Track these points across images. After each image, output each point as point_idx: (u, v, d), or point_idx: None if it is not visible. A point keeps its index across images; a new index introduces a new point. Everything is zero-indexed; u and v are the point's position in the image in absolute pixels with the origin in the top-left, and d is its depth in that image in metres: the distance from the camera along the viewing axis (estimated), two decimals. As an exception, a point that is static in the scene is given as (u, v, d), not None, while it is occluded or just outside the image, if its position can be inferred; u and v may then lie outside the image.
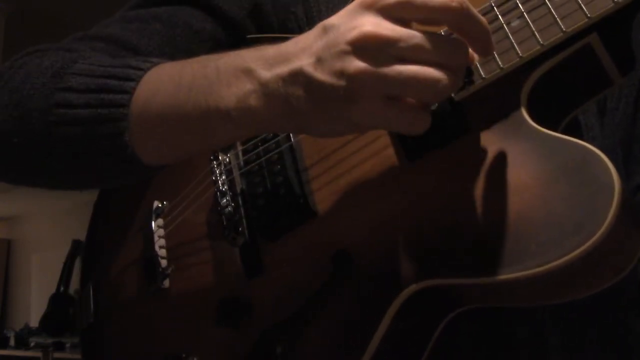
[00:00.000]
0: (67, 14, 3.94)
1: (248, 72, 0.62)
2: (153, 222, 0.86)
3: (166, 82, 0.70)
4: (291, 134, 0.77)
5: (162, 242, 0.85)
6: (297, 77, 0.58)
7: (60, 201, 6.76)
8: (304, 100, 0.58)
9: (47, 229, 7.44)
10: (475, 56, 0.62)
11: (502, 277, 0.57)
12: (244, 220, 0.77)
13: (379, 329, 0.64)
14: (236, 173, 0.80)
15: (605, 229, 0.53)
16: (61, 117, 0.72)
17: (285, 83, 0.59)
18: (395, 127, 0.60)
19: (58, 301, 6.00)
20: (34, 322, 6.69)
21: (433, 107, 0.66)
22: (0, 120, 0.77)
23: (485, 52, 0.60)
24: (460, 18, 0.57)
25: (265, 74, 0.61)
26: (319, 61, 0.57)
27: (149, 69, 0.72)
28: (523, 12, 0.62)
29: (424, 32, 0.56)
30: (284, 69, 0.60)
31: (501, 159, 0.61)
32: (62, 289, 6.04)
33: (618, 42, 0.63)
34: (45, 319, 6.01)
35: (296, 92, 0.59)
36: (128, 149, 0.70)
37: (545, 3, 0.61)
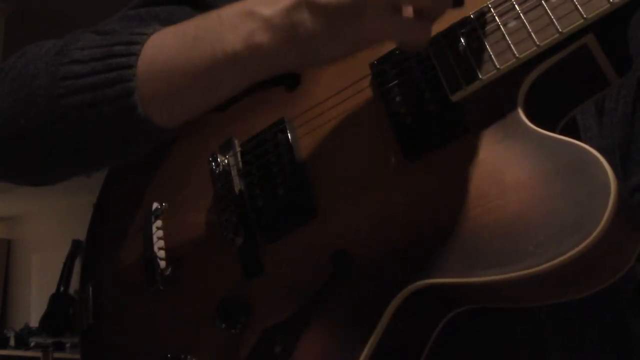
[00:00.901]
0: (67, 14, 3.93)
1: (251, 13, 0.64)
2: (152, 224, 0.86)
3: (170, 39, 0.71)
4: (289, 135, 0.77)
5: (161, 243, 0.85)
6: (301, 4, 0.61)
7: (60, 201, 6.75)
8: (312, 24, 0.60)
9: (47, 229, 7.44)
10: None
11: (500, 276, 0.58)
12: (243, 221, 0.77)
13: (377, 328, 0.64)
14: (235, 174, 0.80)
15: (602, 229, 0.53)
16: (68, 88, 0.72)
17: (289, 13, 0.61)
18: (400, 37, 0.63)
19: (58, 301, 6.01)
20: (34, 322, 6.69)
21: (431, 108, 0.66)
22: (4, 109, 0.76)
23: None
24: None
25: (268, 11, 0.63)
26: None
27: (152, 33, 0.73)
28: (520, 13, 0.62)
29: None
30: (286, 2, 0.62)
31: (498, 159, 0.62)
32: (62, 289, 6.04)
33: (614, 43, 0.63)
34: (45, 319, 6.01)
35: (301, 18, 0.61)
36: (138, 109, 0.70)
37: (541, 4, 0.61)
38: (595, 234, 0.53)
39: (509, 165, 0.61)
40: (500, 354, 0.72)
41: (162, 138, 0.77)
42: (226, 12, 0.67)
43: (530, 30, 0.61)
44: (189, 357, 0.78)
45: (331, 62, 0.66)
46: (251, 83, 0.71)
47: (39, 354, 5.95)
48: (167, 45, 0.70)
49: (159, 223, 0.86)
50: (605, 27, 0.61)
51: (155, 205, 0.87)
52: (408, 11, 0.61)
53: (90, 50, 0.73)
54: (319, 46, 0.62)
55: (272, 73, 0.69)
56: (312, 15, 0.60)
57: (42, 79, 0.74)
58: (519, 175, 0.60)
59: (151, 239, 0.85)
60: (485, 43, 0.63)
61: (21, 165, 0.81)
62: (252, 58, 0.64)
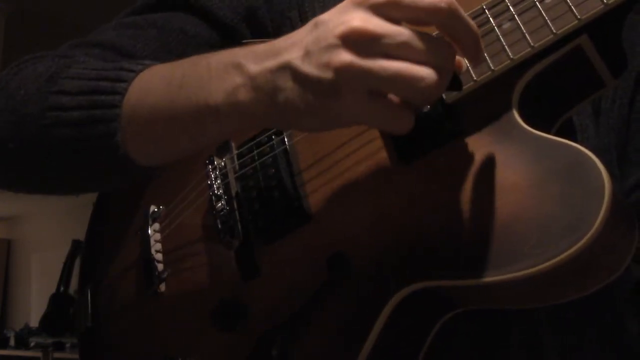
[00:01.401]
0: (67, 14, 3.94)
1: (238, 67, 0.63)
2: (149, 227, 0.86)
3: (158, 82, 0.71)
4: (286, 137, 0.77)
5: (159, 246, 0.85)
6: (285, 69, 0.59)
7: (60, 201, 6.75)
8: (291, 93, 0.59)
9: (47, 229, 7.44)
10: (464, 62, 0.62)
11: (495, 278, 0.58)
12: (239, 224, 0.78)
13: (374, 329, 0.64)
14: (231, 177, 0.80)
15: (597, 230, 0.53)
16: (54, 120, 0.73)
17: (273, 76, 0.60)
18: (378, 124, 0.61)
19: (58, 301, 6.00)
20: (34, 322, 6.69)
21: (425, 109, 0.66)
22: None
23: (474, 56, 0.60)
24: (448, 19, 0.57)
25: (255, 67, 0.61)
26: (307, 54, 0.58)
27: (141, 70, 0.73)
28: (514, 15, 0.62)
29: (412, 31, 0.57)
30: (273, 62, 0.60)
31: (493, 161, 0.62)
32: (62, 289, 6.04)
33: (609, 44, 0.63)
34: (45, 319, 6.01)
35: (284, 85, 0.59)
36: (120, 150, 0.71)
37: (536, 5, 0.61)
38: (589, 235, 0.53)
39: (504, 167, 0.61)
40: (497, 354, 0.72)
41: (147, 174, 0.77)
42: (216, 60, 0.66)
43: (524, 31, 0.61)
44: (186, 359, 0.78)
45: (310, 132, 0.66)
46: (234, 134, 0.71)
47: (39, 354, 5.95)
48: (153, 90, 0.70)
49: (156, 226, 0.86)
50: (599, 28, 0.61)
51: (152, 208, 0.88)
52: (392, 97, 0.59)
53: (79, 81, 0.74)
54: (296, 117, 0.61)
55: (253, 128, 0.70)
56: (293, 83, 0.59)
57: (31, 106, 0.75)
58: (513, 176, 0.60)
59: (148, 242, 0.85)
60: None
61: (10, 180, 0.84)
62: (233, 114, 0.63)
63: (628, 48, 0.76)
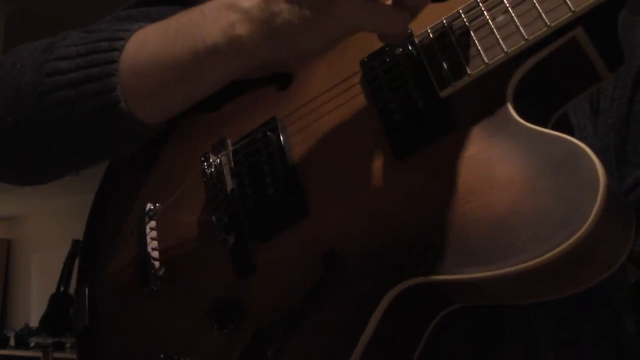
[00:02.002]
0: (67, 14, 3.94)
1: (231, 6, 0.65)
2: (146, 224, 0.86)
3: (154, 34, 0.72)
4: (280, 134, 0.77)
5: (155, 243, 0.85)
6: None
7: (60, 201, 6.76)
8: (287, 13, 0.61)
9: (47, 229, 7.44)
10: None
11: (490, 273, 0.57)
12: (235, 221, 0.77)
13: (368, 326, 0.64)
14: (227, 174, 0.80)
15: (591, 224, 0.53)
16: (53, 85, 0.73)
17: (267, 4, 0.62)
18: (375, 25, 0.62)
19: (58, 301, 6.01)
20: (34, 322, 6.70)
21: (419, 105, 0.66)
22: None
23: None
24: None
25: (247, 2, 0.63)
26: None
27: (136, 30, 0.74)
28: (508, 7, 0.62)
29: None
30: None
31: (488, 155, 0.61)
32: (62, 289, 6.04)
33: (605, 36, 0.63)
34: (45, 319, 6.02)
35: (278, 8, 0.61)
36: (120, 104, 0.71)
37: None
38: (584, 228, 0.53)
39: (499, 161, 0.60)
40: (492, 350, 0.72)
41: (148, 133, 0.77)
42: (209, 5, 0.67)
43: (518, 24, 0.61)
44: (182, 357, 0.78)
45: (310, 53, 0.66)
46: (234, 76, 0.71)
47: (39, 354, 5.96)
48: (150, 40, 0.71)
49: (152, 224, 0.86)
50: (594, 19, 0.61)
51: (148, 205, 0.87)
52: (387, 0, 0.61)
53: (76, 47, 0.74)
54: (296, 37, 0.62)
55: (253, 65, 0.69)
56: (288, 5, 0.61)
57: (28, 76, 0.74)
58: (508, 170, 0.59)
59: (145, 240, 0.85)
60: (474, 38, 0.63)
61: (8, 162, 0.82)
62: (232, 50, 0.64)
63: (627, 48, 0.76)
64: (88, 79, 0.71)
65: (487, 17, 0.63)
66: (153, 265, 0.83)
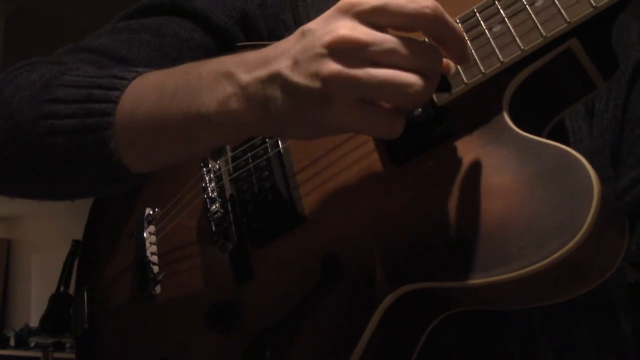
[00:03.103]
0: (67, 14, 3.94)
1: (229, 76, 0.63)
2: (145, 229, 0.87)
3: (150, 90, 0.71)
4: (279, 140, 0.77)
5: (154, 248, 0.85)
6: (275, 79, 0.60)
7: (60, 201, 6.75)
8: (282, 102, 0.59)
9: (47, 229, 7.43)
10: (452, 65, 0.63)
11: (485, 280, 0.58)
12: (233, 226, 0.78)
13: (366, 331, 0.64)
14: (226, 179, 0.81)
15: (586, 230, 0.54)
16: (49, 128, 0.74)
17: (264, 85, 0.61)
18: (368, 131, 0.62)
19: (58, 301, 6.00)
20: (34, 322, 6.68)
21: (416, 113, 0.66)
22: None
23: (461, 59, 0.61)
24: (433, 24, 0.58)
25: (245, 77, 0.62)
26: (296, 64, 0.59)
27: (133, 78, 0.73)
28: (504, 18, 0.62)
29: (398, 37, 0.57)
30: (263, 72, 0.61)
31: (484, 163, 0.62)
32: (62, 289, 6.03)
33: (599, 46, 0.63)
34: (45, 319, 6.01)
35: (274, 94, 0.60)
36: (114, 158, 0.72)
37: (525, 8, 0.61)
38: (578, 236, 0.54)
39: (494, 169, 0.61)
40: (492, 354, 0.73)
41: (139, 181, 0.78)
42: (207, 69, 0.66)
43: (514, 34, 0.61)
44: None
45: (301, 140, 0.67)
46: (227, 143, 0.72)
47: (39, 354, 5.95)
48: (146, 99, 0.71)
49: (151, 228, 0.87)
50: (589, 31, 0.61)
51: (148, 210, 0.88)
52: (382, 104, 0.59)
53: (73, 89, 0.75)
54: (287, 126, 0.62)
55: (245, 136, 0.70)
56: (283, 93, 0.59)
57: (26, 114, 0.76)
58: (503, 179, 0.60)
59: (144, 244, 0.86)
60: (470, 47, 0.64)
61: (7, 185, 0.84)
62: (225, 123, 0.64)
63: (621, 50, 0.76)
64: (83, 129, 0.72)
65: (484, 27, 0.63)
66: (152, 269, 0.84)
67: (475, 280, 0.58)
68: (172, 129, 0.68)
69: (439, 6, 0.57)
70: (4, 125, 0.77)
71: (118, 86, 0.73)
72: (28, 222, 8.02)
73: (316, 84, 0.57)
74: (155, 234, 0.86)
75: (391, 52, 0.56)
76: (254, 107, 0.61)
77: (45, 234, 7.45)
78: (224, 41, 0.87)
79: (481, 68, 0.63)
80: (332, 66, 0.56)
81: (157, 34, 0.86)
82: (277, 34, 0.85)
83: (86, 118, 0.72)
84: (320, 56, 0.57)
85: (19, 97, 0.77)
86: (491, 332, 0.72)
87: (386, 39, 0.57)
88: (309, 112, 0.59)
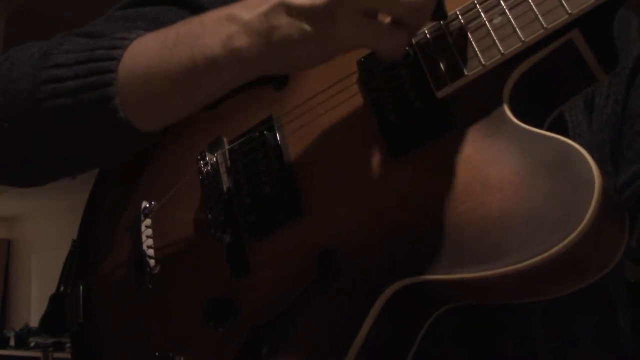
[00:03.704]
0: (67, 14, 3.93)
1: (231, 17, 0.64)
2: (141, 222, 0.86)
3: (152, 43, 0.71)
4: (277, 133, 0.77)
5: (150, 242, 0.85)
6: (278, 7, 0.62)
7: (60, 201, 6.75)
8: (287, 28, 0.61)
9: (47, 229, 7.43)
10: None
11: (484, 273, 0.57)
12: (230, 220, 0.77)
13: (364, 325, 0.64)
14: (223, 172, 0.80)
15: (585, 226, 0.53)
16: (50, 92, 0.72)
17: (267, 17, 0.62)
18: (373, 43, 0.63)
19: (58, 301, 6.00)
20: (34, 322, 6.69)
21: (416, 106, 0.66)
22: None
23: None
24: None
25: (248, 14, 0.63)
26: None
27: (135, 38, 0.73)
28: (505, 9, 0.62)
29: None
30: (265, 6, 0.63)
31: (484, 156, 0.61)
32: (62, 289, 6.03)
33: (600, 38, 0.63)
34: (45, 319, 6.01)
35: (278, 22, 0.61)
36: (119, 113, 0.70)
37: (526, 0, 0.61)
38: (578, 230, 0.53)
39: (494, 162, 0.60)
40: (486, 349, 0.72)
41: (145, 141, 0.77)
42: (209, 16, 0.67)
43: (515, 26, 0.61)
44: (176, 356, 0.78)
45: (307, 67, 0.67)
46: (231, 88, 0.71)
47: (39, 354, 5.95)
48: (148, 50, 0.71)
49: (148, 222, 0.86)
50: (590, 22, 0.61)
51: (144, 203, 0.87)
52: (385, 18, 0.61)
53: (74, 54, 0.74)
54: (294, 50, 0.62)
55: (251, 77, 0.69)
56: (287, 18, 0.61)
57: (25, 82, 0.74)
58: (503, 171, 0.59)
59: (140, 238, 0.85)
60: (471, 39, 0.63)
61: (5, 165, 0.82)
62: (231, 62, 0.64)
63: (622, 44, 0.76)
64: (86, 87, 0.71)
65: (485, 19, 0.63)
66: (148, 263, 0.83)
67: (474, 274, 0.58)
68: (175, 77, 0.68)
69: None
70: (3, 100, 0.75)
71: (119, 45, 0.73)
72: (28, 222, 8.03)
73: (319, 1, 0.59)
74: (152, 227, 0.86)
75: None
76: (259, 39, 0.62)
77: (45, 234, 7.45)
78: None
79: (481, 60, 0.62)
80: None
81: (154, 23, 0.86)
82: None
83: (88, 77, 0.71)
84: None
85: (17, 71, 0.76)
86: (488, 327, 0.72)
87: None
88: (314, 30, 0.60)
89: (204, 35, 0.66)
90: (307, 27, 0.60)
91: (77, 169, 0.83)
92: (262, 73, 0.68)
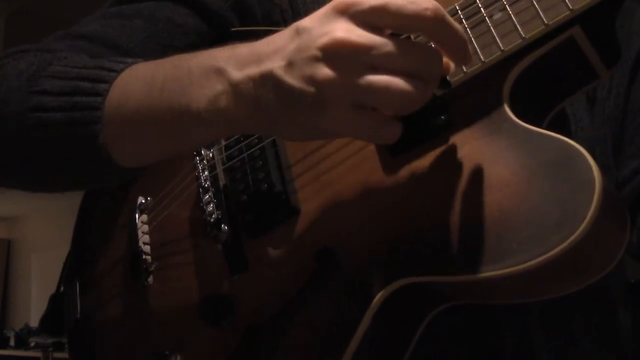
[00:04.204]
0: (67, 14, 3.94)
1: (219, 73, 0.61)
2: (137, 218, 0.85)
3: (139, 84, 0.69)
4: None
5: (146, 238, 0.84)
6: (268, 79, 0.58)
7: (60, 201, 6.75)
8: (273, 103, 0.58)
9: (47, 229, 7.44)
10: (451, 65, 0.61)
11: (484, 275, 0.57)
12: (227, 217, 0.76)
13: (361, 324, 0.63)
14: (219, 169, 0.79)
15: (586, 226, 0.52)
16: (36, 121, 0.72)
17: (255, 84, 0.59)
18: (364, 137, 0.60)
19: (58, 301, 6.00)
20: (34, 322, 6.69)
21: None
22: None
23: (462, 60, 0.59)
24: (434, 26, 0.55)
25: (236, 74, 0.60)
26: (290, 65, 0.56)
27: (122, 70, 0.72)
28: (505, 5, 0.61)
29: (396, 40, 0.55)
30: (255, 70, 0.59)
31: (483, 155, 0.61)
32: (62, 289, 6.04)
33: (602, 35, 0.62)
34: (45, 319, 6.01)
35: (266, 95, 0.58)
36: (102, 152, 0.70)
37: None
38: (579, 231, 0.52)
39: (493, 161, 0.60)
40: (484, 349, 0.71)
41: (129, 175, 0.76)
42: (197, 64, 0.64)
43: (515, 22, 0.60)
44: (173, 354, 0.77)
45: (292, 141, 0.65)
46: (217, 139, 0.70)
47: (39, 354, 5.96)
48: (134, 92, 0.69)
49: (144, 218, 0.85)
50: (592, 18, 0.60)
51: (140, 199, 0.86)
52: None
53: (60, 81, 0.73)
54: (278, 126, 0.60)
55: (237, 133, 0.68)
56: (275, 95, 0.57)
57: (13, 105, 0.74)
58: (502, 171, 0.59)
59: (136, 234, 0.84)
60: (470, 35, 0.62)
61: None
62: (216, 119, 0.62)
63: (625, 36, 0.74)
64: (71, 122, 0.70)
65: (484, 15, 0.62)
66: (145, 260, 0.82)
67: (472, 276, 0.57)
68: (161, 125, 0.66)
69: (440, 7, 0.55)
70: None
71: (106, 78, 0.71)
72: (28, 222, 8.04)
73: (310, 89, 0.55)
74: (148, 223, 0.85)
75: (389, 56, 0.54)
76: (245, 105, 0.59)
77: (45, 234, 7.46)
78: (218, 26, 0.86)
79: (481, 57, 0.61)
80: (328, 71, 0.54)
81: (150, 20, 0.85)
82: (272, 18, 0.84)
83: (74, 112, 0.70)
84: (316, 59, 0.55)
85: (7, 87, 0.75)
86: (486, 326, 0.71)
87: (384, 43, 0.55)
88: (301, 116, 0.57)
89: (190, 87, 0.63)
90: (293, 112, 0.57)
91: (59, 189, 0.83)
92: (248, 132, 0.66)
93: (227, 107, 0.60)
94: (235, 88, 0.60)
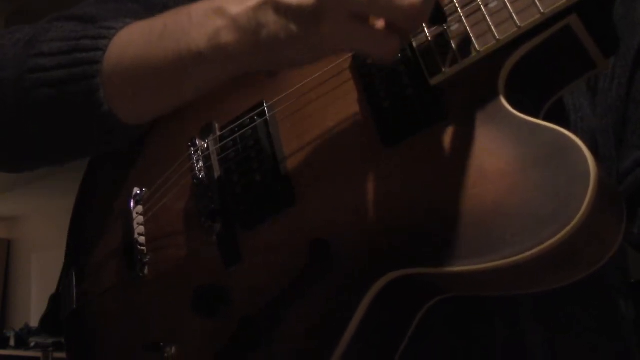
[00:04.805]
0: (68, 14, 3.93)
1: (219, 10, 0.63)
2: (132, 209, 0.85)
3: (138, 35, 0.70)
4: (268, 119, 0.75)
5: (142, 229, 0.84)
6: (267, 4, 0.60)
7: (60, 201, 6.75)
8: (274, 26, 0.59)
9: (47, 229, 7.43)
10: None
11: (477, 266, 0.56)
12: (221, 208, 0.76)
13: (355, 316, 0.63)
14: (214, 159, 0.79)
15: (580, 219, 0.52)
16: (35, 82, 0.71)
17: (255, 13, 0.60)
18: (363, 48, 0.60)
19: (58, 301, 6.01)
20: (34, 322, 6.69)
21: (408, 93, 0.64)
22: None
23: None
24: None
25: (236, 8, 0.62)
26: None
27: (121, 27, 0.72)
28: None
29: None
30: (253, 1, 0.61)
31: (477, 145, 0.60)
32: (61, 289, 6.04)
33: (600, 23, 0.61)
34: (45, 319, 6.01)
35: (266, 20, 0.60)
36: (103, 106, 0.70)
37: None
38: (573, 223, 0.52)
39: (488, 152, 0.59)
40: (477, 338, 0.70)
41: (130, 134, 0.76)
42: (197, 8, 0.65)
43: (511, 11, 0.59)
44: (167, 345, 0.77)
45: (294, 67, 0.66)
46: (218, 83, 0.70)
47: (39, 354, 5.95)
48: (134, 42, 0.69)
49: (139, 208, 0.85)
50: (589, 7, 0.59)
51: (135, 190, 0.86)
52: (378, 23, 0.59)
53: (59, 42, 0.73)
54: (281, 51, 0.61)
55: (238, 74, 0.68)
56: (275, 17, 0.59)
57: (10, 70, 0.73)
58: (498, 162, 0.58)
59: (132, 225, 0.84)
60: (466, 24, 0.62)
61: None
62: (217, 58, 0.63)
63: (627, 25, 0.73)
64: (70, 78, 0.70)
65: (480, 3, 0.61)
66: (139, 250, 0.82)
67: (467, 267, 0.57)
68: (161, 70, 0.66)
69: None
70: None
71: (105, 35, 0.71)
72: (28, 222, 8.04)
73: (309, 1, 0.57)
74: (143, 214, 0.85)
75: None
76: (246, 36, 0.61)
77: (45, 234, 7.45)
78: None
79: (476, 46, 0.61)
80: None
81: (145, 5, 0.85)
82: None
83: (73, 67, 0.70)
84: None
85: (3, 56, 0.75)
86: (477, 316, 0.70)
87: None
88: (302, 31, 0.58)
89: (190, 28, 0.64)
90: (294, 27, 0.58)
91: (61, 158, 0.82)
92: (249, 70, 0.67)
93: (228, 41, 0.62)
94: (235, 21, 0.62)
